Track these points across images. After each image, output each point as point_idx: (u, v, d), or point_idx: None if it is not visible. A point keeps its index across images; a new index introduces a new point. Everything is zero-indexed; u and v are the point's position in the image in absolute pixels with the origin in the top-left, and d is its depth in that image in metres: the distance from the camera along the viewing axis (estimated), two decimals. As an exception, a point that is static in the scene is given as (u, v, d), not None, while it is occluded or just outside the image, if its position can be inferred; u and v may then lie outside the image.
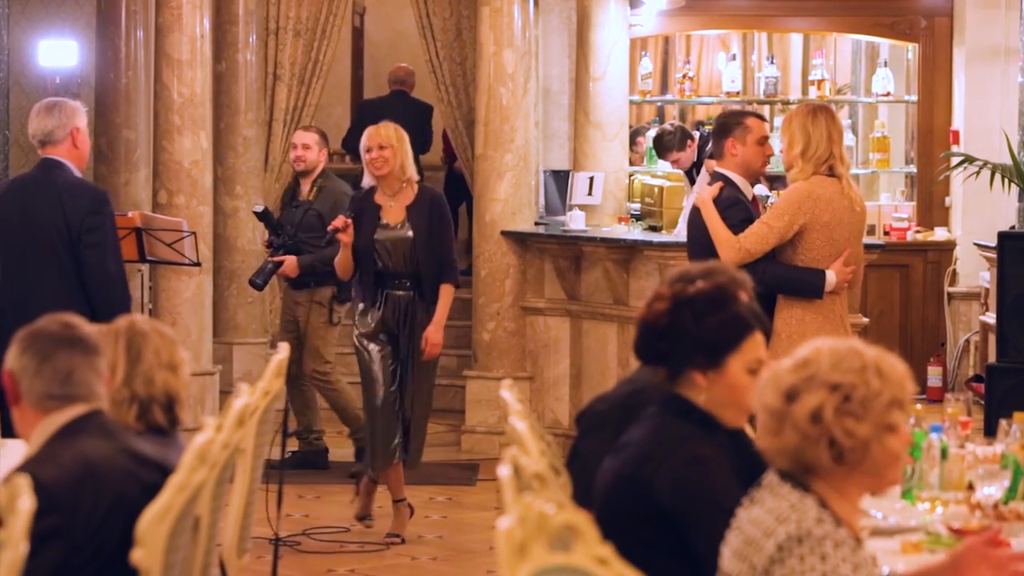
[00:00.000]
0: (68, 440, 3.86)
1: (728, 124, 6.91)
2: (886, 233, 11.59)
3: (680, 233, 9.01)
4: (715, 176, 6.91)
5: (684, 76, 12.40)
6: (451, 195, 11.82)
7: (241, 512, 5.15)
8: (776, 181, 11.22)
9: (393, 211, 7.90)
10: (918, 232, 11.64)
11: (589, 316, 9.99)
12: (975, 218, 11.29)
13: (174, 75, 10.21)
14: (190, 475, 3.89)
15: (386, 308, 7.88)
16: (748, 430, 3.89)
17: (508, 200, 10.32)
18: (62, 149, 6.79)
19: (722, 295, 3.81)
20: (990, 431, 7.67)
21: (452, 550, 7.93)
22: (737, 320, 3.79)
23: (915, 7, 11.79)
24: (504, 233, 10.29)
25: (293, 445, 9.31)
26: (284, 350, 5.87)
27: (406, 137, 7.94)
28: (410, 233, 7.87)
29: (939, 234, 11.59)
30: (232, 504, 5.09)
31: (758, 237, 6.51)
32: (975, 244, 10.87)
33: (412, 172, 7.94)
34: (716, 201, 6.72)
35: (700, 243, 6.70)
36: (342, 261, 7.93)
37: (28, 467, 3.76)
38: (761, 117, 7.06)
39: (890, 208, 11.90)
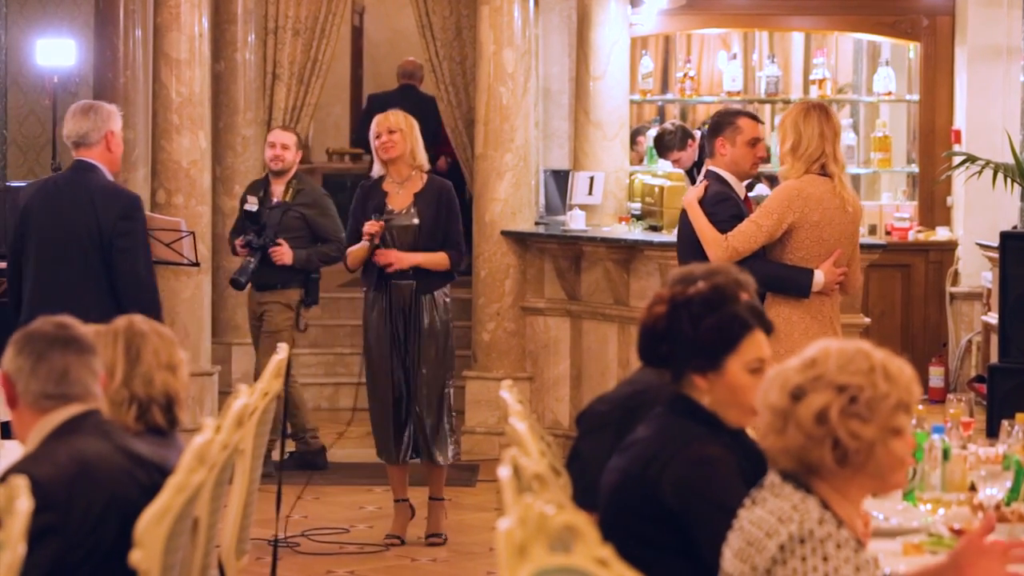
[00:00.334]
0: (64, 439, 3.86)
1: (720, 124, 6.90)
2: (888, 233, 11.58)
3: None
4: (707, 174, 6.92)
5: (685, 75, 12.38)
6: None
7: (240, 513, 5.14)
8: (776, 182, 11.19)
9: (400, 198, 7.89)
10: (920, 232, 11.63)
11: (589, 316, 9.98)
12: (977, 218, 11.28)
13: (172, 74, 10.20)
14: (189, 476, 3.87)
15: (390, 297, 7.88)
16: (749, 431, 3.86)
17: (508, 200, 10.30)
18: (96, 152, 6.85)
19: (719, 296, 3.80)
20: (992, 432, 7.66)
21: (452, 551, 7.92)
22: (734, 320, 3.78)
23: (917, 6, 11.78)
24: (504, 233, 10.27)
25: (289, 446, 9.29)
26: (284, 350, 5.86)
27: (416, 124, 7.93)
28: (415, 220, 7.86)
29: (941, 234, 11.57)
30: (231, 505, 5.07)
31: (746, 236, 6.49)
32: (977, 244, 10.85)
33: (422, 159, 7.92)
34: (705, 197, 6.73)
35: (690, 243, 6.69)
36: (358, 254, 7.90)
37: (23, 466, 3.76)
38: (754, 117, 7.01)
39: (892, 208, 11.89)
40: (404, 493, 8.03)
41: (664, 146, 10.63)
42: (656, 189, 10.43)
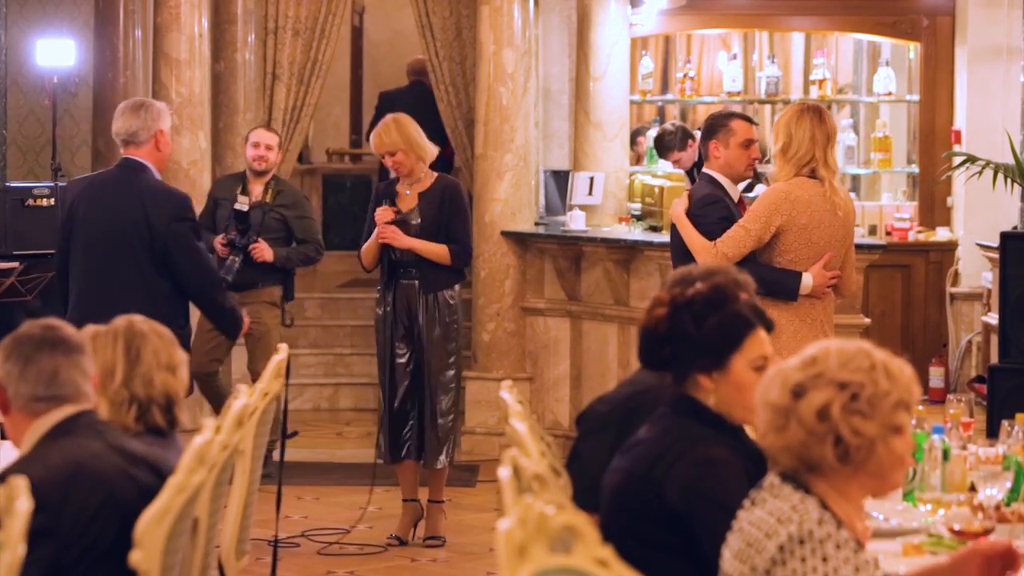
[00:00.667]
0: (57, 441, 3.86)
1: (713, 126, 6.91)
2: (888, 233, 11.58)
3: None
4: (701, 176, 6.92)
5: (685, 76, 12.38)
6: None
7: (240, 513, 5.14)
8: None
9: (407, 199, 7.92)
10: (920, 232, 11.63)
11: (589, 317, 9.97)
12: (977, 218, 11.28)
13: (172, 74, 10.20)
14: (188, 476, 3.87)
15: (397, 296, 7.90)
16: (748, 430, 3.87)
17: (508, 200, 10.30)
18: (144, 151, 6.87)
19: (720, 295, 3.80)
20: (992, 432, 7.66)
21: (452, 552, 7.91)
22: (737, 319, 3.79)
23: (917, 6, 11.78)
24: (504, 233, 10.27)
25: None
26: (284, 350, 5.86)
27: (409, 128, 7.84)
28: (417, 220, 7.86)
29: (941, 234, 11.57)
30: (231, 505, 5.07)
31: (735, 241, 6.48)
32: (977, 244, 10.85)
33: (429, 156, 7.88)
34: (693, 201, 6.74)
35: (683, 250, 6.71)
36: (370, 248, 7.90)
37: (16, 468, 3.75)
38: (748, 119, 7.00)
39: (892, 208, 11.89)
40: (414, 493, 8.02)
41: (664, 146, 10.63)
42: (656, 189, 10.43)
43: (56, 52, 10.21)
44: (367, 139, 12.82)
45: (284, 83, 11.11)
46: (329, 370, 11.90)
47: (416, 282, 7.89)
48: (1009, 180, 9.97)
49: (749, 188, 8.57)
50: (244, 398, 4.70)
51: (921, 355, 10.93)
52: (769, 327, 3.84)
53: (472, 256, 8.03)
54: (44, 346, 3.93)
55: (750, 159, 6.85)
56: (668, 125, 10.99)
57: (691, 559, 3.63)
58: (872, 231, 11.58)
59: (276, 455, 7.92)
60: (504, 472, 3.53)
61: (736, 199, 6.86)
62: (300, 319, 12.33)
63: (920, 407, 4.42)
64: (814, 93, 12.14)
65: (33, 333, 3.95)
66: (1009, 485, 4.40)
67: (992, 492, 4.26)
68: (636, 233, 10.08)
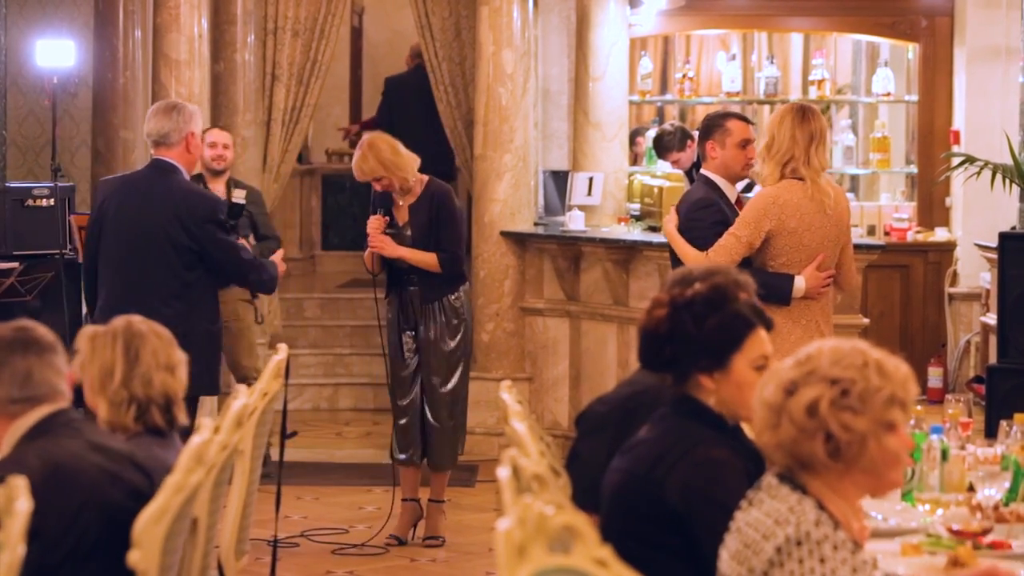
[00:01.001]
0: (35, 442, 3.87)
1: (710, 126, 6.91)
2: (886, 234, 11.58)
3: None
4: (698, 177, 6.94)
5: (684, 76, 12.39)
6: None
7: (239, 513, 5.14)
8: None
9: (401, 211, 7.94)
10: (918, 232, 11.63)
11: (588, 317, 9.98)
12: (976, 218, 11.28)
13: (172, 75, 10.20)
14: (186, 476, 3.88)
15: (401, 304, 7.94)
16: (746, 429, 3.87)
17: (507, 201, 10.30)
18: (175, 152, 6.94)
19: (720, 295, 3.81)
20: (991, 432, 7.66)
21: (451, 552, 7.92)
22: (737, 319, 3.79)
23: (916, 7, 11.78)
24: (503, 234, 10.27)
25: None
26: (284, 350, 5.86)
27: (383, 152, 7.76)
28: (409, 232, 7.89)
29: (940, 234, 11.58)
30: (230, 505, 5.08)
31: (726, 249, 6.47)
32: (976, 245, 10.85)
33: (412, 174, 7.87)
34: (690, 203, 6.78)
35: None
36: (370, 257, 7.94)
37: None
38: (744, 119, 7.01)
39: (890, 208, 11.89)
40: (414, 493, 8.04)
41: (663, 147, 10.62)
42: (655, 190, 10.43)
43: (56, 53, 10.20)
44: (376, 126, 12.83)
45: (284, 84, 11.10)
46: (328, 370, 11.90)
47: (417, 289, 7.92)
48: (1007, 180, 9.97)
49: (748, 188, 8.56)
50: (244, 398, 4.70)
51: (920, 355, 10.94)
52: (769, 326, 3.85)
53: (461, 262, 8.02)
54: (16, 348, 3.93)
55: (747, 159, 6.85)
56: (667, 125, 10.99)
57: (691, 560, 3.63)
58: (871, 231, 11.58)
59: (275, 454, 7.93)
60: (503, 472, 3.53)
61: (734, 199, 6.86)
62: (300, 319, 12.34)
63: (919, 407, 4.43)
64: (813, 94, 12.15)
65: (4, 335, 3.95)
66: (1007, 485, 4.41)
67: (990, 492, 4.27)
68: (635, 233, 10.08)
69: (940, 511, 4.30)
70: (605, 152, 10.78)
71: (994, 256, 9.72)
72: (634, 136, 12.21)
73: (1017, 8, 11.16)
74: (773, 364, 3.27)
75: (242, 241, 8.95)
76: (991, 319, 10.15)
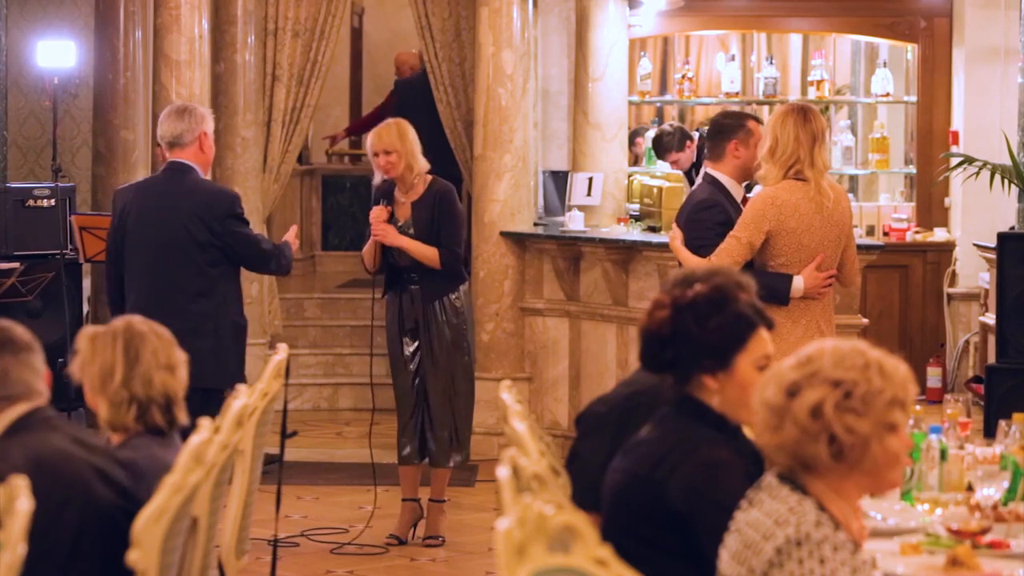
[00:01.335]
0: (15, 438, 3.89)
1: (730, 126, 6.89)
2: (885, 234, 11.59)
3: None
4: (704, 177, 6.93)
5: (683, 77, 12.39)
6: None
7: (240, 513, 5.15)
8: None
9: (404, 208, 7.93)
10: (917, 233, 11.64)
11: (588, 317, 9.98)
12: (975, 219, 11.29)
13: (172, 76, 10.20)
14: (185, 476, 3.88)
15: (402, 302, 7.95)
16: (746, 430, 3.88)
17: (507, 201, 10.30)
18: (189, 152, 7.08)
19: (722, 296, 3.81)
20: (990, 432, 7.67)
21: (451, 551, 7.92)
22: (740, 319, 3.79)
23: (914, 8, 11.79)
24: (503, 234, 10.28)
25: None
26: (284, 350, 5.87)
27: (408, 134, 7.89)
28: (411, 231, 7.88)
29: (939, 235, 11.58)
30: (231, 505, 5.08)
31: (728, 252, 6.46)
32: (975, 245, 10.86)
33: (421, 167, 7.90)
34: (693, 203, 6.78)
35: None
36: (369, 250, 7.94)
37: None
38: (758, 120, 7.04)
39: (889, 209, 11.90)
40: (414, 493, 8.04)
41: (663, 147, 10.63)
42: (655, 190, 10.44)
43: (56, 53, 10.21)
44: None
45: (284, 84, 11.11)
46: (328, 370, 11.91)
47: (418, 288, 7.92)
48: (1006, 181, 9.99)
49: (748, 188, 8.57)
50: (244, 398, 4.71)
51: (919, 355, 10.95)
52: (770, 326, 3.85)
53: (461, 261, 8.02)
54: None
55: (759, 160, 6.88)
56: (666, 126, 11.00)
57: (692, 560, 3.63)
58: (870, 231, 11.59)
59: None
60: (503, 472, 3.53)
61: (740, 198, 6.86)
62: (300, 319, 12.35)
63: (918, 407, 4.43)
64: (812, 94, 12.15)
65: None
66: (1006, 485, 4.42)
67: (989, 492, 4.28)
68: (635, 234, 10.09)
69: (939, 511, 4.31)
70: (605, 152, 10.79)
71: (993, 256, 9.73)
72: (634, 136, 12.22)
73: (1016, 8, 11.17)
74: (774, 364, 3.26)
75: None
76: (990, 319, 10.16)
